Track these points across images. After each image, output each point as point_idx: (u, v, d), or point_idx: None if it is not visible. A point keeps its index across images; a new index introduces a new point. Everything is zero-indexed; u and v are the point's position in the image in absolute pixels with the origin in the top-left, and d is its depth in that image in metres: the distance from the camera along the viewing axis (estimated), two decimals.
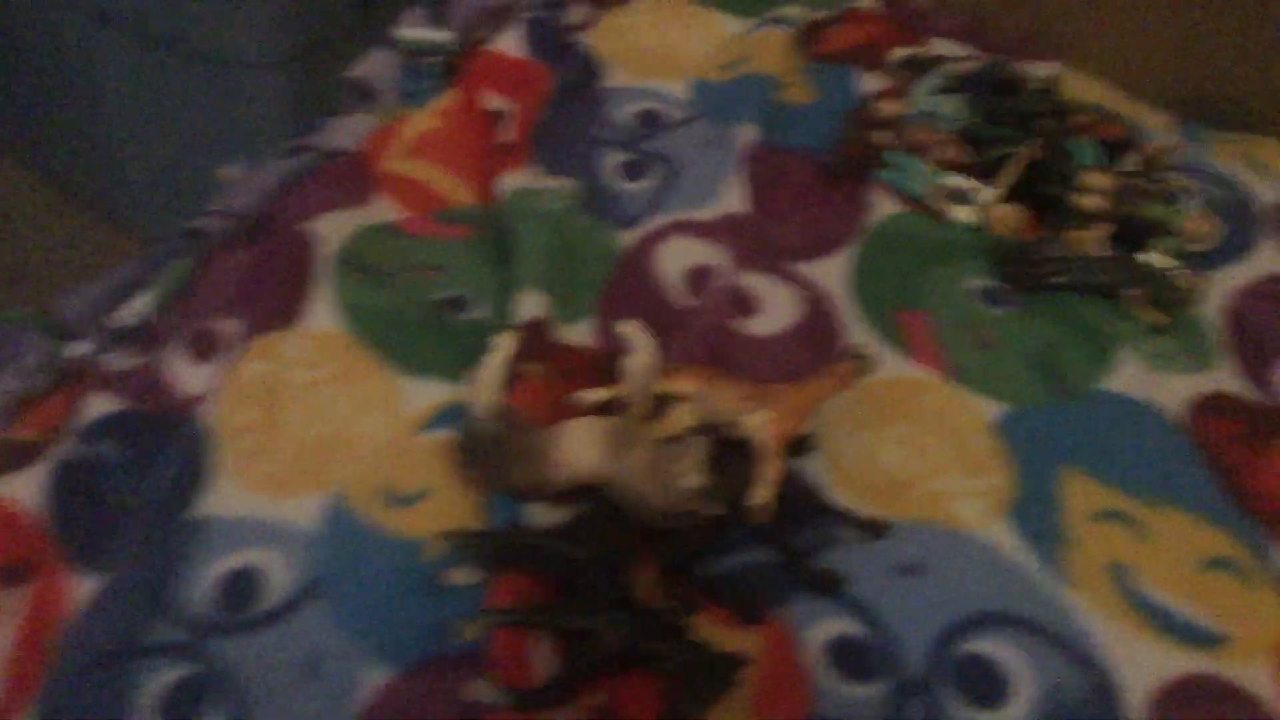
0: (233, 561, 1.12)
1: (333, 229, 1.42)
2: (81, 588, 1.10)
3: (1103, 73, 1.97)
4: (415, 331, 1.34)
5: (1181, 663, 1.15)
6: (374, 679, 1.04)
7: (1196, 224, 1.60)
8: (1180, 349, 1.50)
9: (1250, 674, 1.16)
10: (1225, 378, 1.48)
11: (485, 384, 1.21)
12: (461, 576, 1.09)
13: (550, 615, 1.06)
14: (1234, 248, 1.67)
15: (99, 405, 1.24)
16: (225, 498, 1.17)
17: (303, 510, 1.16)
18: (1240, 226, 1.71)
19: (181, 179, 2.48)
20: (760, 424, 1.18)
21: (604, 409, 1.23)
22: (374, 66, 1.71)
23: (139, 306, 1.34)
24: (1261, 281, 1.63)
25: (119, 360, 1.30)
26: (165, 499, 1.15)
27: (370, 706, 1.02)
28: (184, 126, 2.39)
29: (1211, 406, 1.43)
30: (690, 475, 1.12)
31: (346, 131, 1.60)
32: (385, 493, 1.18)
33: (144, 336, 1.32)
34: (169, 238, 1.42)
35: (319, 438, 1.22)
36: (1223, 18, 1.91)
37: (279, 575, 1.11)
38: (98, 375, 1.28)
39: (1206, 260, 1.63)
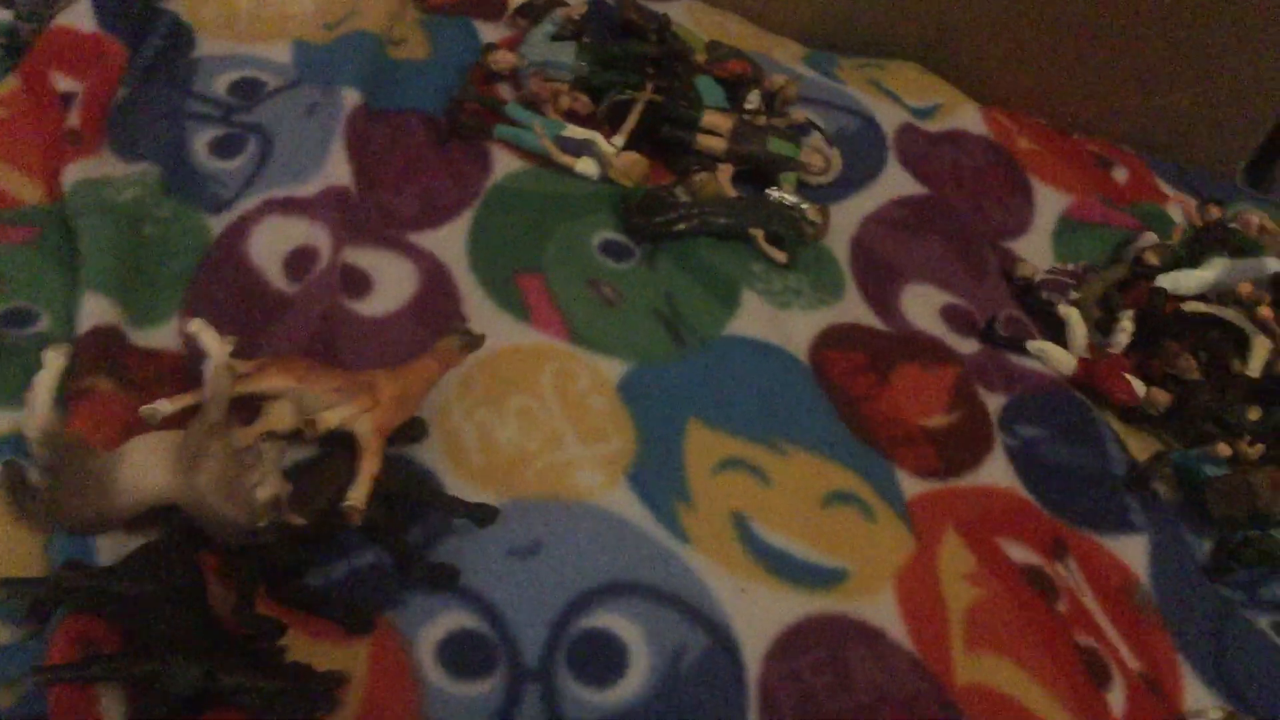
0: None
1: None
2: None
3: (733, 6, 1.96)
4: None
5: (800, 606, 1.15)
6: None
7: (818, 156, 1.60)
8: (808, 284, 1.50)
9: (871, 606, 1.17)
10: (851, 309, 1.49)
11: (34, 407, 1.07)
12: None
13: (108, 665, 0.95)
14: (860, 176, 1.69)
15: None
16: None
17: None
18: (867, 154, 1.73)
19: None
20: (342, 419, 1.09)
21: (185, 420, 1.12)
22: None
23: None
24: (885, 207, 1.65)
25: None
26: None
27: None
28: None
29: (835, 340, 1.44)
30: (265, 485, 1.03)
31: None
32: None
33: None
34: None
35: None
36: None
37: None
38: None
39: (833, 192, 1.64)
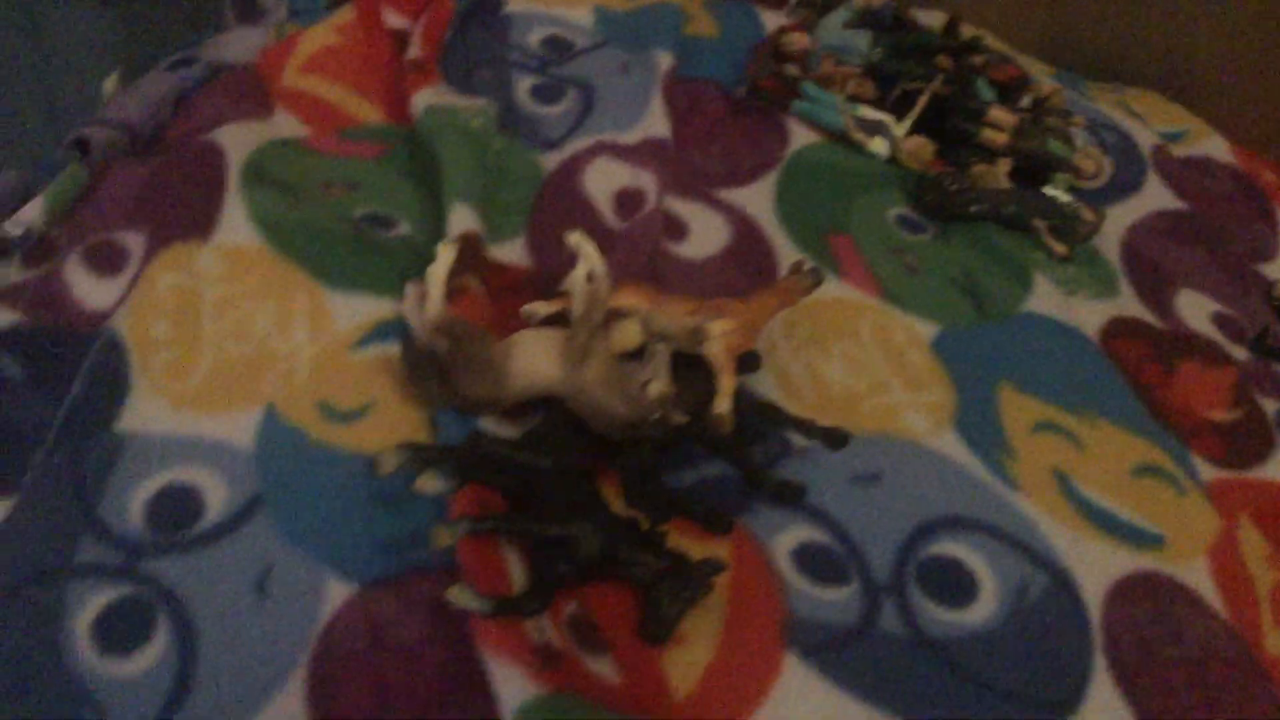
0: (161, 480, 1.02)
1: (237, 141, 1.31)
2: None
3: (980, 21, 2.02)
4: (339, 247, 1.25)
5: (1129, 561, 1.17)
6: (334, 594, 0.96)
7: (1090, 161, 1.65)
8: (1087, 276, 1.54)
9: (1189, 573, 1.20)
10: (1129, 305, 1.53)
11: (430, 295, 1.13)
12: (431, 485, 1.02)
13: (528, 523, 1.00)
14: (1123, 186, 1.73)
15: None
16: (147, 414, 1.06)
17: (235, 426, 1.06)
18: (1127, 167, 1.78)
19: None
20: (722, 332, 1.14)
21: (551, 323, 1.18)
22: None
23: (26, 217, 1.21)
24: (1151, 217, 1.69)
25: (9, 273, 1.17)
26: (80, 416, 1.04)
27: (335, 620, 0.94)
28: None
29: (1121, 329, 1.47)
30: (656, 383, 1.08)
31: (236, 45, 1.49)
32: (323, 409, 1.10)
33: (36, 248, 1.19)
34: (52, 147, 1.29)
35: (243, 353, 1.12)
36: None
37: (215, 493, 1.02)
38: None
39: (1099, 196, 1.68)
